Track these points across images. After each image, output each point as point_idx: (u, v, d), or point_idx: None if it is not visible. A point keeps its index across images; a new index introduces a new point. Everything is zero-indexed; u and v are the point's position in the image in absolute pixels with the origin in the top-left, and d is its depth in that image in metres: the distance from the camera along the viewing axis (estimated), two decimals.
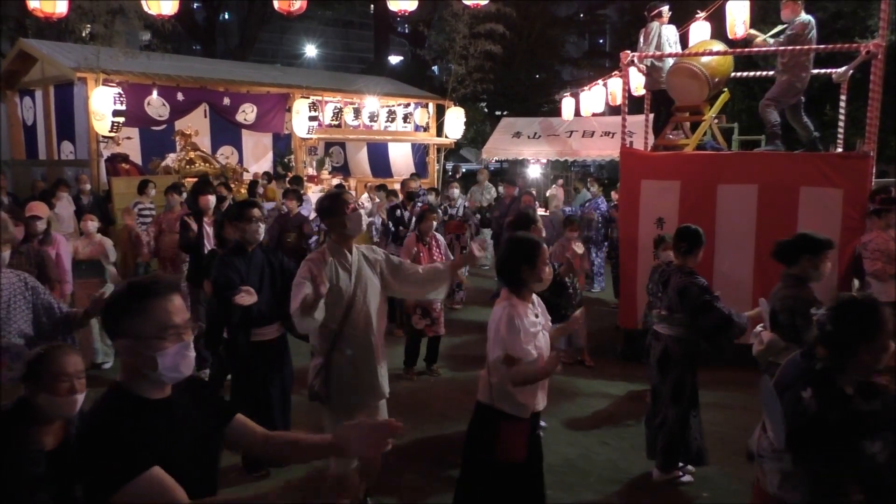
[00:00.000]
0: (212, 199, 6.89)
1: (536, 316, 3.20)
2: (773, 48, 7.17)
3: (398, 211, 9.08)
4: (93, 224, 6.80)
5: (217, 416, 2.05)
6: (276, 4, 7.64)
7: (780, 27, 7.34)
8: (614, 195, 10.88)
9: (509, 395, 3.12)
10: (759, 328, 4.01)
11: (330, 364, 3.62)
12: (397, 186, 14.07)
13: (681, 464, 4.62)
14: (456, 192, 10.51)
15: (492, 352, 3.13)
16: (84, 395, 2.54)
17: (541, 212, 12.36)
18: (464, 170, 17.00)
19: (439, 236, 7.05)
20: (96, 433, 1.77)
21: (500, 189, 12.21)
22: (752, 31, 7.59)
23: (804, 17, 6.93)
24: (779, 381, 2.53)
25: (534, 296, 3.28)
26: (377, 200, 10.88)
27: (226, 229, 5.65)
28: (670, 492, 4.49)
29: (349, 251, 3.68)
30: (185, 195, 8.03)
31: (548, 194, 14.33)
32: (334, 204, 3.69)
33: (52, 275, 4.99)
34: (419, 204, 9.43)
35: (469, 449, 3.32)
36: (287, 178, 11.94)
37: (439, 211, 9.05)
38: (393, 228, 8.99)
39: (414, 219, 8.80)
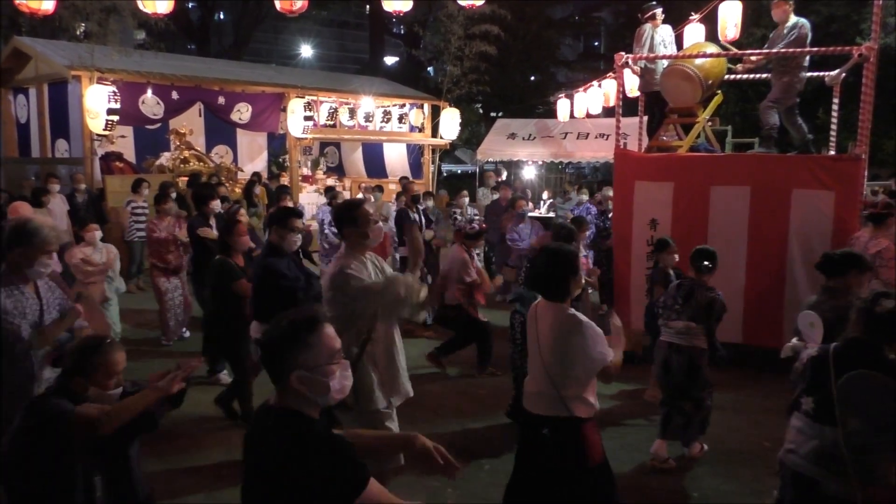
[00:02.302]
0: (218, 203, 6.95)
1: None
2: (769, 52, 7.20)
3: (409, 214, 8.96)
4: (98, 234, 6.70)
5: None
6: (277, 4, 7.65)
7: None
8: (598, 197, 10.84)
9: (584, 399, 3.25)
10: (794, 341, 3.91)
11: (356, 370, 3.62)
12: (392, 187, 14.09)
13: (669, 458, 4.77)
14: (466, 200, 10.53)
15: (565, 364, 3.20)
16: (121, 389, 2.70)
17: (535, 213, 12.39)
18: (497, 173, 16.92)
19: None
20: (317, 453, 1.88)
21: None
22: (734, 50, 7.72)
23: (798, 19, 6.97)
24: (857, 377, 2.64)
25: None
26: (372, 200, 10.88)
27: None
28: (662, 491, 4.51)
29: (366, 258, 3.76)
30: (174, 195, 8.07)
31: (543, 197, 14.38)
32: (355, 214, 3.74)
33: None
34: (421, 207, 9.43)
35: (555, 464, 3.25)
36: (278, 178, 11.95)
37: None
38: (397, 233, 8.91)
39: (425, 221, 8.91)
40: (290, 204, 8.49)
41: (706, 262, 4.77)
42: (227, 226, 5.93)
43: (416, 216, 8.95)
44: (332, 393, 1.98)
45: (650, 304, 5.97)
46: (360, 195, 12.75)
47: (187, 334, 7.64)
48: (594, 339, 3.14)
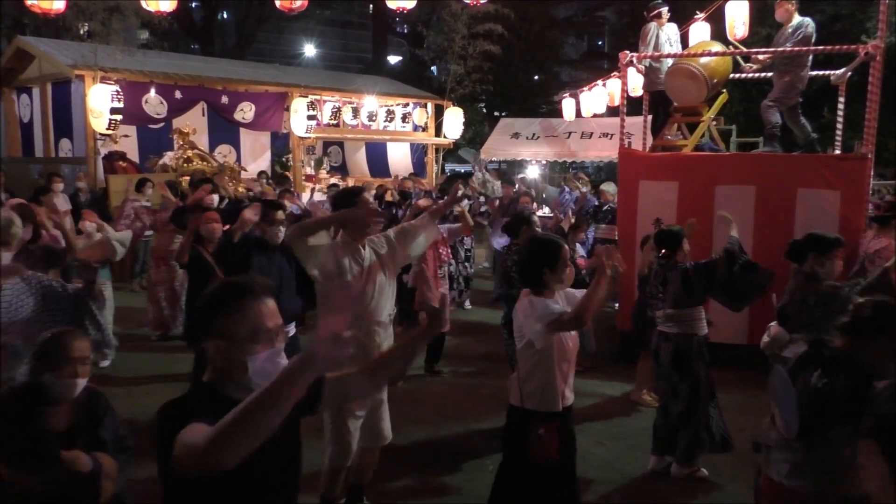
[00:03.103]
0: (215, 197, 6.91)
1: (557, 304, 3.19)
2: (773, 50, 7.17)
3: (393, 210, 9.01)
4: (91, 225, 6.65)
5: (303, 407, 1.96)
6: (277, 2, 7.66)
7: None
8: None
9: (538, 392, 3.13)
10: (772, 324, 4.07)
11: None
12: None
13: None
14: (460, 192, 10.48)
15: (519, 341, 3.16)
16: (85, 381, 2.63)
17: (540, 213, 12.36)
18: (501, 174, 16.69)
19: (442, 228, 6.94)
20: (173, 413, 1.75)
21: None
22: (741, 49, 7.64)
23: (802, 18, 6.94)
24: (790, 372, 2.59)
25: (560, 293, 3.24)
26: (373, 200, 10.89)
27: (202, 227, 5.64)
28: (667, 491, 4.49)
29: (363, 247, 3.68)
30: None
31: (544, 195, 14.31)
32: (356, 201, 3.69)
33: (63, 260, 4.94)
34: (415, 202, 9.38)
35: (504, 452, 3.32)
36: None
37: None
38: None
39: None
40: (289, 203, 8.39)
41: (668, 244, 4.68)
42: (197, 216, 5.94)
43: (397, 211, 8.90)
44: (250, 374, 1.76)
45: (638, 300, 6.00)
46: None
47: None
48: (539, 306, 3.04)
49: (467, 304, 9.50)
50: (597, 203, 10.15)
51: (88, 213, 6.72)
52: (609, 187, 10.12)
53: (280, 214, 4.75)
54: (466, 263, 9.59)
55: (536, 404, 3.14)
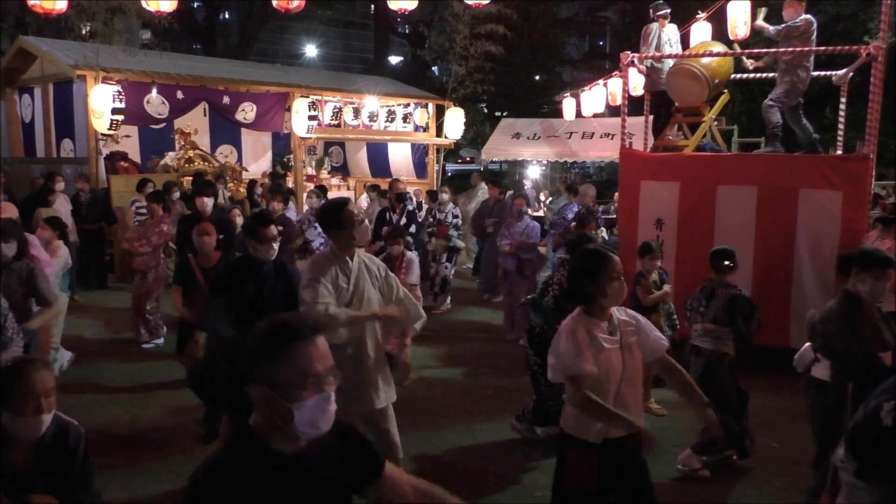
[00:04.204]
0: (208, 201, 6.78)
1: (611, 333, 2.98)
2: (773, 51, 7.16)
3: (387, 215, 8.92)
4: (49, 234, 6.39)
5: (360, 472, 1.87)
6: (274, 2, 7.64)
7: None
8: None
9: (574, 415, 2.98)
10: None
11: None
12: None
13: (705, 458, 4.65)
14: (446, 196, 10.44)
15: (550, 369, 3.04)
16: (51, 415, 2.37)
17: (536, 213, 12.36)
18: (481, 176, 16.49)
19: (410, 256, 6.69)
20: (206, 482, 1.65)
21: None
22: (760, 23, 7.45)
23: (799, 17, 6.93)
24: (875, 394, 2.48)
25: (621, 313, 3.05)
26: (370, 201, 10.83)
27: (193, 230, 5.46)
28: (670, 492, 4.47)
29: (350, 258, 3.65)
30: (177, 195, 8.05)
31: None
32: (340, 216, 3.61)
33: (42, 292, 4.50)
34: (409, 207, 9.33)
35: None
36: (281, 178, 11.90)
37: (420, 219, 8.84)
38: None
39: (404, 222, 8.72)
40: (280, 205, 8.25)
41: (726, 262, 4.72)
42: (190, 224, 5.83)
43: (392, 216, 8.83)
44: (297, 423, 1.64)
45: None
46: (363, 195, 12.72)
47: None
48: (566, 347, 2.90)
49: (445, 306, 9.20)
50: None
51: (43, 225, 6.52)
52: (588, 190, 10.07)
53: (271, 230, 4.24)
54: (447, 263, 9.21)
55: (572, 428, 2.99)
